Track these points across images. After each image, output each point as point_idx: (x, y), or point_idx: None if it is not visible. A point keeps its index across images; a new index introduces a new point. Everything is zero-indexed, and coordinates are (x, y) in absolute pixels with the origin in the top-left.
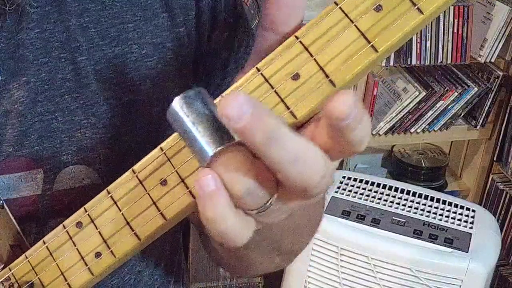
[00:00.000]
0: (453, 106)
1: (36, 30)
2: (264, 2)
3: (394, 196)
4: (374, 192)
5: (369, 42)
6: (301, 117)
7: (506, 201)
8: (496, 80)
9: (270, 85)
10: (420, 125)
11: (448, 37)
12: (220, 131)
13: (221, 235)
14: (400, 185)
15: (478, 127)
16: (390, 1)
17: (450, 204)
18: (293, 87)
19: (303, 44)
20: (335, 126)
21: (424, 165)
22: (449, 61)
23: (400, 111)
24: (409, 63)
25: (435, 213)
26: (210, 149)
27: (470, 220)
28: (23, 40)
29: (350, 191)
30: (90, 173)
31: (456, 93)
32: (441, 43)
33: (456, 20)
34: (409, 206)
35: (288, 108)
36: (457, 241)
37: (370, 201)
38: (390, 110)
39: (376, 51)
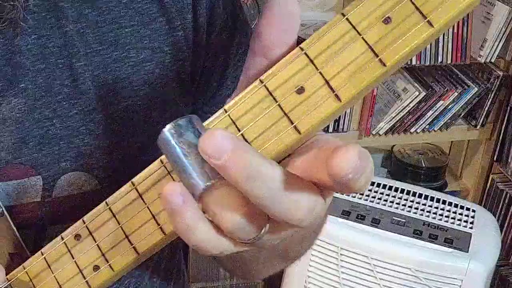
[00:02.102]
0: (453, 106)
1: (33, 36)
2: (256, 25)
3: (394, 196)
4: (374, 192)
5: (377, 56)
6: (305, 132)
7: (506, 201)
8: (496, 80)
9: (274, 98)
10: (420, 125)
11: (448, 37)
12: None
13: (193, 245)
14: (400, 185)
15: (478, 127)
16: (399, 13)
17: (450, 204)
18: (297, 101)
19: (308, 57)
20: (337, 181)
21: (424, 165)
22: (449, 61)
23: (400, 111)
24: (409, 63)
25: (435, 213)
26: (200, 183)
27: (470, 220)
28: (20, 46)
29: None
30: (89, 180)
31: (456, 93)
32: (441, 43)
33: None
34: (409, 206)
35: (292, 123)
36: (457, 241)
37: (370, 201)
38: (390, 110)
39: (384, 65)
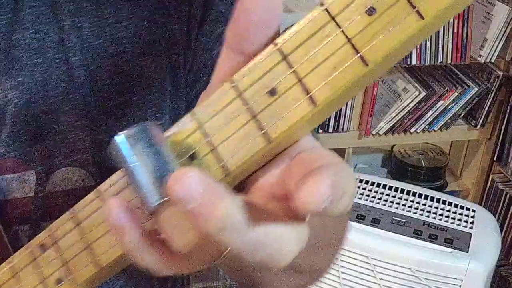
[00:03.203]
0: (453, 106)
1: (31, 30)
2: (232, 19)
3: (394, 196)
4: (374, 192)
5: (358, 52)
6: (276, 139)
7: (506, 201)
8: (496, 80)
9: (244, 100)
10: (420, 125)
11: (448, 37)
12: (166, 179)
13: (142, 267)
14: (400, 185)
15: (478, 127)
16: (385, 2)
17: (450, 204)
18: (268, 104)
19: (282, 53)
20: (306, 214)
21: (424, 165)
22: (449, 61)
23: (400, 111)
24: (409, 63)
25: (435, 213)
26: (151, 200)
27: (470, 220)
28: (18, 40)
29: None
30: (83, 175)
31: (456, 93)
32: (441, 43)
33: (456, 20)
34: (409, 206)
35: (262, 129)
36: (457, 241)
37: (370, 201)
38: (390, 110)
39: (366, 64)
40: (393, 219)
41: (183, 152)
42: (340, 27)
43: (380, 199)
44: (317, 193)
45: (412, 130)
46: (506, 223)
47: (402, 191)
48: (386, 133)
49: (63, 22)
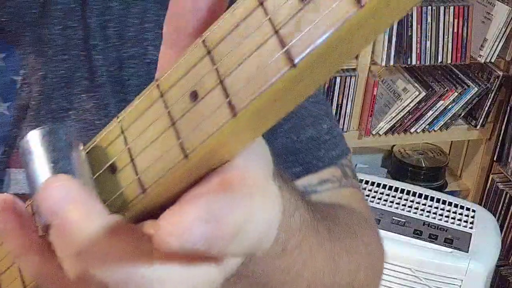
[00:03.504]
0: (453, 106)
1: (59, 26)
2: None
3: (394, 196)
4: (374, 192)
5: (283, 46)
6: (193, 154)
7: (506, 201)
8: (496, 80)
9: (165, 103)
10: (420, 125)
11: (448, 37)
12: None
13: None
14: (400, 185)
15: (478, 127)
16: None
17: (450, 204)
18: (188, 110)
19: (205, 45)
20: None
21: (424, 165)
22: (449, 61)
23: (400, 111)
24: (409, 63)
25: (435, 213)
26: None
27: (470, 220)
28: (45, 35)
29: None
30: None
31: (456, 93)
32: (441, 43)
33: (456, 20)
34: (409, 206)
35: (179, 140)
36: (457, 241)
37: (370, 201)
38: (390, 110)
39: (294, 65)
40: (393, 219)
41: (103, 161)
42: (267, 14)
43: (380, 199)
44: (180, 224)
45: (412, 130)
46: (506, 223)
47: (402, 191)
48: (386, 133)
49: (89, 19)
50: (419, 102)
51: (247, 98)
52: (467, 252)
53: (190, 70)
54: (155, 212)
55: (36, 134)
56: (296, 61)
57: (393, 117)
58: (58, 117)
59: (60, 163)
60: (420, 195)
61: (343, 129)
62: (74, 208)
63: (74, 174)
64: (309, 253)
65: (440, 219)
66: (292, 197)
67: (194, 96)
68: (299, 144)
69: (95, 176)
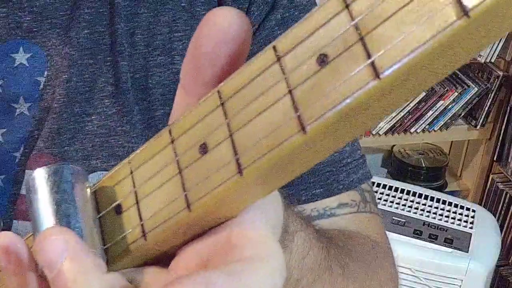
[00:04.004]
0: (453, 106)
1: (86, 31)
2: (184, 60)
3: (394, 196)
4: (374, 192)
5: (297, 111)
6: (197, 210)
7: (506, 201)
8: (496, 80)
9: (174, 151)
10: (420, 125)
11: None
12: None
13: None
14: (400, 185)
15: (478, 127)
16: (336, 48)
17: (450, 204)
18: (197, 162)
19: (220, 95)
20: None
21: (424, 165)
22: None
23: (400, 111)
24: None
25: (435, 213)
26: None
27: (470, 220)
28: (72, 38)
29: None
30: None
31: (456, 93)
32: None
33: None
34: (409, 206)
35: (184, 191)
36: (457, 241)
37: None
38: None
39: (304, 131)
40: (393, 219)
41: (110, 201)
42: (284, 73)
43: (380, 199)
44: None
45: (412, 130)
46: (506, 223)
47: (402, 191)
48: (386, 133)
49: (117, 25)
50: (419, 102)
51: (254, 158)
52: (467, 252)
53: (203, 120)
54: (157, 259)
55: (42, 172)
56: (307, 128)
57: (393, 117)
58: (80, 121)
59: (63, 206)
60: (420, 195)
61: None
62: (70, 265)
63: (77, 216)
64: None
65: (440, 219)
66: (307, 236)
67: (204, 147)
68: (321, 165)
69: (100, 215)
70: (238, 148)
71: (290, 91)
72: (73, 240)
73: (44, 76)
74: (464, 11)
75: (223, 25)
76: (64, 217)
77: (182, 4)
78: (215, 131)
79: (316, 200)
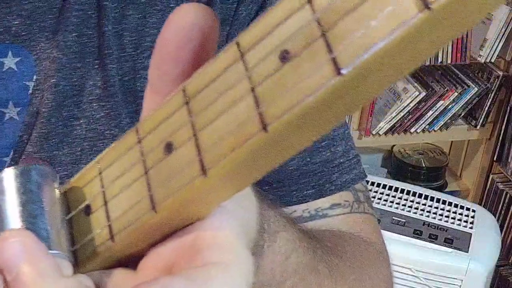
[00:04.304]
0: (453, 106)
1: (74, 34)
2: (152, 57)
3: (394, 196)
4: (374, 192)
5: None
6: (162, 211)
7: (506, 201)
8: (496, 80)
9: (141, 151)
10: (420, 125)
11: None
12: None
13: None
14: (400, 185)
15: (478, 127)
16: (299, 45)
17: (450, 204)
18: (162, 162)
19: (185, 94)
20: None
21: (424, 165)
22: (449, 61)
23: (400, 111)
24: None
25: (435, 213)
26: None
27: (470, 220)
28: (59, 42)
29: None
30: None
31: (456, 93)
32: None
33: None
34: (409, 206)
35: (149, 191)
36: (457, 241)
37: None
38: (390, 110)
39: (265, 130)
40: (393, 219)
41: (79, 202)
42: (247, 70)
43: (380, 199)
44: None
45: (412, 130)
46: (506, 223)
47: (402, 191)
48: (386, 133)
49: (105, 27)
50: (419, 102)
51: (218, 158)
52: (467, 252)
53: (168, 119)
54: (128, 261)
55: (10, 173)
56: (269, 127)
57: (393, 117)
58: (68, 125)
59: (29, 207)
60: (420, 195)
61: None
62: (28, 268)
63: (43, 217)
64: None
65: (440, 219)
66: (290, 236)
67: (169, 147)
68: (313, 166)
69: (69, 217)
70: (202, 148)
71: (252, 89)
72: (31, 242)
73: (33, 80)
74: (425, 4)
75: (186, 23)
76: (30, 218)
77: (171, 5)
78: (179, 130)
79: (308, 201)
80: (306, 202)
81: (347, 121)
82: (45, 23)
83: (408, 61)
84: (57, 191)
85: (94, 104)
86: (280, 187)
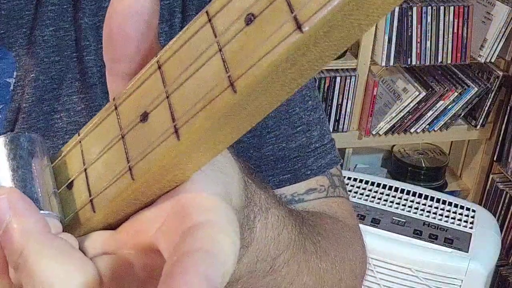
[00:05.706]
0: (453, 106)
1: (51, 28)
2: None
3: (394, 196)
4: (374, 192)
5: (227, 71)
6: (141, 179)
7: (506, 201)
8: (496, 80)
9: (120, 125)
10: (420, 125)
11: (448, 37)
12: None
13: None
14: (400, 185)
15: (478, 127)
16: (266, 11)
17: (450, 204)
18: (139, 134)
19: (159, 67)
20: None
21: (424, 165)
22: (449, 61)
23: (400, 111)
24: (409, 63)
25: (435, 213)
26: None
27: (470, 220)
28: (37, 36)
29: (350, 191)
30: None
31: (456, 93)
32: (441, 43)
33: (456, 20)
34: (409, 206)
35: (128, 162)
36: (457, 241)
37: (370, 201)
38: (390, 110)
39: (235, 91)
40: (393, 219)
41: (64, 177)
42: (215, 34)
43: (380, 199)
44: None
45: (412, 130)
46: (506, 223)
47: (402, 191)
48: (386, 133)
49: (81, 20)
50: (419, 102)
51: (190, 122)
52: (467, 252)
53: (142, 89)
54: (110, 228)
55: (0, 140)
56: (236, 87)
57: (393, 117)
58: (49, 119)
59: (20, 171)
60: (420, 195)
61: (343, 129)
62: (15, 224)
63: (34, 183)
64: (296, 270)
65: (440, 219)
66: (280, 214)
67: (145, 115)
68: (288, 151)
69: (60, 191)
70: (175, 113)
71: (220, 51)
72: (18, 198)
73: (14, 77)
74: None
75: (127, 3)
76: (21, 182)
77: None
78: (154, 98)
79: (284, 186)
80: (282, 187)
81: (346, 121)
82: (22, 20)
83: (367, 16)
84: (46, 158)
85: (74, 97)
86: (256, 172)
